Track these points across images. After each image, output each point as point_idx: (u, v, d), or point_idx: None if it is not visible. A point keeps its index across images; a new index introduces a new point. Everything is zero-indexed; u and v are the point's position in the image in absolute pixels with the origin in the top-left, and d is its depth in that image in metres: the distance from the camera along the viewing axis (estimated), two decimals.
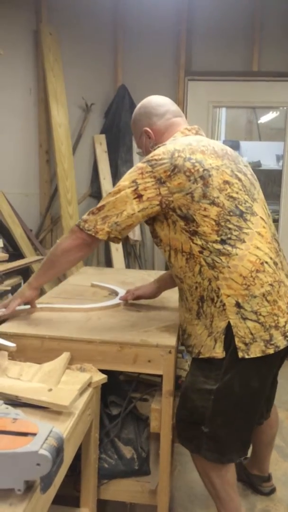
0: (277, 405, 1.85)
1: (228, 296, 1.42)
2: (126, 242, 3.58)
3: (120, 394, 1.78)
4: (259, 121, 6.31)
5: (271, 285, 1.42)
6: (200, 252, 1.45)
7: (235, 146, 5.29)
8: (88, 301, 1.95)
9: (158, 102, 1.68)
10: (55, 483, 1.06)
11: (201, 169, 1.44)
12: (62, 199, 3.35)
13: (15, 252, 3.07)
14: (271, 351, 1.41)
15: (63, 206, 3.34)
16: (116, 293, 2.02)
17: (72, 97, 3.46)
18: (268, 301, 1.42)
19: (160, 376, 1.52)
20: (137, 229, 3.54)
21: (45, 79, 3.34)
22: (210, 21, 3.48)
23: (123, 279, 2.38)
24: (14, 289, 2.71)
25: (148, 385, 1.94)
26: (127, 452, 1.66)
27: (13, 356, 1.50)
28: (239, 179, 1.50)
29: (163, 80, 3.57)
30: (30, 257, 3.08)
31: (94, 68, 3.58)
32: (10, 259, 2.78)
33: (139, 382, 1.92)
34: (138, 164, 1.51)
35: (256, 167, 5.39)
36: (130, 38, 3.55)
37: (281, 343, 1.43)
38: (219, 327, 1.44)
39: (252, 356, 1.41)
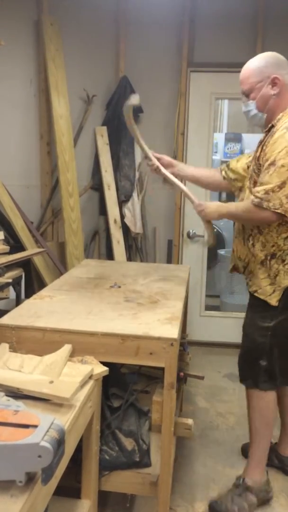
0: None
1: None
2: (127, 235, 3.56)
3: (121, 387, 1.78)
4: None
5: None
6: None
7: (237, 138, 5.24)
8: (90, 293, 1.94)
9: (284, 59, 1.75)
10: (56, 475, 1.07)
11: None
12: (63, 191, 3.33)
13: (16, 245, 3.05)
14: None
15: (64, 198, 3.32)
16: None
17: (73, 88, 3.42)
18: None
19: (162, 368, 1.52)
20: (138, 221, 3.52)
21: (46, 70, 3.31)
22: (213, 11, 3.44)
23: (125, 271, 2.37)
24: (15, 281, 2.70)
25: (150, 377, 1.94)
26: (128, 444, 1.66)
27: (14, 348, 1.50)
28: None
29: (165, 71, 3.54)
30: (31, 250, 3.07)
31: (96, 59, 3.54)
32: (11, 251, 2.77)
33: (141, 375, 1.92)
34: None
35: None
36: (132, 29, 3.51)
37: None
38: (282, 283, 1.71)
39: None
